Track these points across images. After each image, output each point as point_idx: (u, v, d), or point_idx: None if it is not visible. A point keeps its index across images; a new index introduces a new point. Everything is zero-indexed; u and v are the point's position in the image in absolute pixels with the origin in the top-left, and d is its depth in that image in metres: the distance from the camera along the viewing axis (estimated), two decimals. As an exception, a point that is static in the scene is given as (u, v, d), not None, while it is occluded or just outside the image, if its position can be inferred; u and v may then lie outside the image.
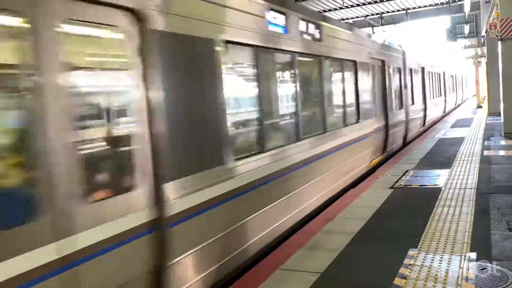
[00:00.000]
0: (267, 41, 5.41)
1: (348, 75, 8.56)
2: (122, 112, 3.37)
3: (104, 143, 3.24)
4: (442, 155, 10.75)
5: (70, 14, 2.88)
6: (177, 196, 3.64)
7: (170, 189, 3.56)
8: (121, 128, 3.36)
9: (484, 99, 28.26)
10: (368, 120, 9.47)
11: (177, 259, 3.61)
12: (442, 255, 4.46)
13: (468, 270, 4.06)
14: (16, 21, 2.56)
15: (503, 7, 12.95)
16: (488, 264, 4.11)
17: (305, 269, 4.40)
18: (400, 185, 7.89)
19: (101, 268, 2.93)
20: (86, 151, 2.99)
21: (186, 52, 3.94)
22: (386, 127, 11.00)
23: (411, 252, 4.59)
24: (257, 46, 5.17)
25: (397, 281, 3.94)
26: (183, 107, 3.87)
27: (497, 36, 13.48)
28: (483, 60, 28.24)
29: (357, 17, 25.48)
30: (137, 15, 3.36)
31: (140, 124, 3.39)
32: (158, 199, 3.46)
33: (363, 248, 4.87)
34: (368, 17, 25.50)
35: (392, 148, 11.77)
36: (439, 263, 4.27)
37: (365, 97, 9.41)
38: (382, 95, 10.90)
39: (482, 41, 24.98)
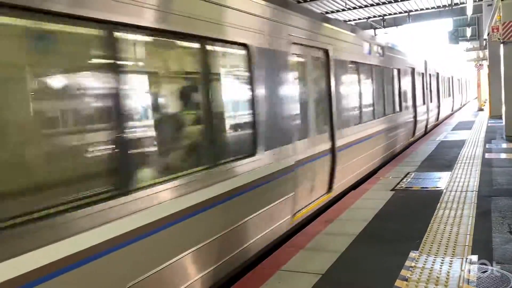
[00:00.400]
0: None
1: (400, 79, 12.20)
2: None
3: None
4: (444, 158, 10.74)
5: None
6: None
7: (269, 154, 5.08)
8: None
9: (485, 102, 28.26)
10: (410, 110, 13.49)
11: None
12: (444, 258, 4.46)
13: (469, 272, 4.06)
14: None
15: (505, 10, 12.94)
16: (490, 267, 4.11)
17: (306, 270, 4.40)
18: (401, 187, 7.89)
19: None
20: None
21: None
22: (415, 117, 14.42)
23: (412, 254, 4.58)
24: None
25: (398, 283, 3.94)
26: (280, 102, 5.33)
27: (499, 39, 13.48)
28: (485, 63, 28.23)
29: (359, 19, 25.52)
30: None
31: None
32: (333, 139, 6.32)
33: (364, 250, 4.87)
34: (370, 19, 25.54)
35: (419, 133, 15.38)
36: (440, 266, 4.27)
37: (405, 94, 12.82)
38: (412, 94, 14.04)
39: (484, 44, 24.99)
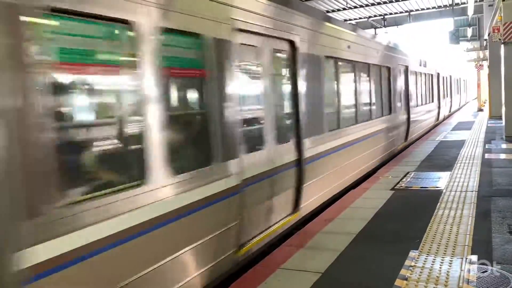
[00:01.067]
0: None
1: (390, 78, 11.48)
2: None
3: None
4: (443, 158, 10.74)
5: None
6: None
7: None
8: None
9: (485, 102, 28.26)
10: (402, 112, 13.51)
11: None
12: (443, 257, 4.46)
13: (469, 272, 4.06)
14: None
15: (506, 10, 12.94)
16: (489, 267, 4.11)
17: (306, 269, 4.39)
18: (401, 186, 7.89)
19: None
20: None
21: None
22: (408, 120, 13.56)
23: (412, 253, 4.58)
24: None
25: (398, 282, 3.94)
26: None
27: (500, 39, 13.48)
28: (485, 64, 28.24)
29: (360, 18, 25.50)
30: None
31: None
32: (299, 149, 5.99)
33: (364, 249, 4.87)
34: (371, 19, 25.52)
35: (415, 136, 15.24)
36: (440, 265, 4.26)
37: (396, 94, 12.03)
38: (405, 95, 13.58)
39: (485, 44, 24.98)
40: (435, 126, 19.37)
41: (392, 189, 7.72)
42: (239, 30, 4.68)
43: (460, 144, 13.01)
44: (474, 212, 5.98)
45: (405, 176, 8.78)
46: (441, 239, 5.01)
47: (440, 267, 4.22)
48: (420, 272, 4.14)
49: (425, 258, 4.46)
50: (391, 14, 25.06)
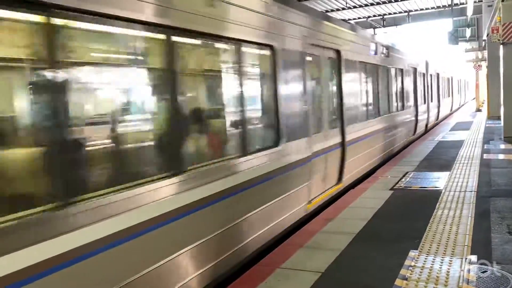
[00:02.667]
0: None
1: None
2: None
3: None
4: (442, 158, 10.76)
5: None
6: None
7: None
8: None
9: (483, 103, 28.31)
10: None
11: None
12: (443, 257, 4.46)
13: (469, 272, 4.06)
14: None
15: (505, 11, 12.96)
16: (489, 267, 4.11)
17: (306, 268, 4.39)
18: (400, 186, 7.90)
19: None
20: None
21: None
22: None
23: (411, 253, 4.59)
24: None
25: (398, 282, 3.94)
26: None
27: (499, 40, 13.49)
28: (484, 64, 28.28)
29: (359, 18, 25.51)
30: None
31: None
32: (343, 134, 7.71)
33: (363, 249, 4.87)
34: (370, 19, 25.54)
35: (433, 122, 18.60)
36: (440, 265, 4.27)
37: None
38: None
39: (483, 44, 25.01)
40: (434, 125, 19.97)
41: (391, 189, 7.73)
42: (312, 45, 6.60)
43: (458, 144, 13.03)
44: (473, 212, 5.99)
45: (404, 176, 8.79)
46: (440, 239, 5.01)
47: (440, 267, 4.22)
48: (420, 272, 4.14)
49: (425, 258, 4.47)
50: (390, 14, 25.10)
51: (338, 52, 7.63)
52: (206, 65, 4.77)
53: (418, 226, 5.50)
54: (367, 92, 9.51)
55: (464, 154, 11.17)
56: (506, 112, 13.40)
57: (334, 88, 7.69)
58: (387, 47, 11.21)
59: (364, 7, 22.93)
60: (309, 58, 6.42)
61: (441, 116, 22.05)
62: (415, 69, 14.66)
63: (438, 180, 8.23)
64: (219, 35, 4.39)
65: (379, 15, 25.18)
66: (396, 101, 12.08)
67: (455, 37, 23.11)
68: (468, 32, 26.20)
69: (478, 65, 31.45)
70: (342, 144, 7.63)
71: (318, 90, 7.01)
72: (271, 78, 5.44)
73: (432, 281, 3.94)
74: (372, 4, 22.56)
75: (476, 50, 31.85)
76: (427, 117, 17.58)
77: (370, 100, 9.85)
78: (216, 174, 4.21)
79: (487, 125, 18.45)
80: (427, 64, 17.18)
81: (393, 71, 11.72)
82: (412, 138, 14.53)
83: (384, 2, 22.44)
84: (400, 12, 24.92)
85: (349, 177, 8.00)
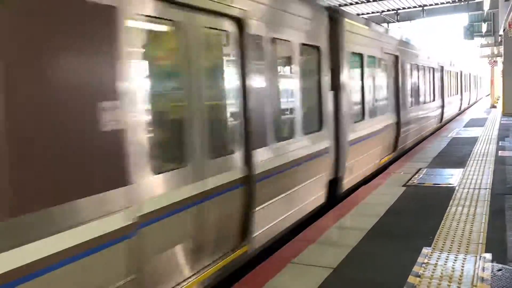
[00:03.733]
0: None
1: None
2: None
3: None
4: (456, 154, 10.64)
5: None
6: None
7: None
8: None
9: (498, 99, 27.89)
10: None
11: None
12: (457, 255, 4.42)
13: (483, 270, 4.02)
14: None
15: (523, 5, 12.72)
16: (504, 266, 4.06)
17: (318, 264, 4.38)
18: (413, 183, 7.83)
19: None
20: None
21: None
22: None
23: (425, 250, 4.55)
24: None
25: (411, 279, 3.91)
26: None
27: (516, 35, 13.25)
28: (499, 60, 27.83)
29: (373, 12, 25.26)
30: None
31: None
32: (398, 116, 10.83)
33: (376, 245, 4.84)
34: (384, 13, 25.27)
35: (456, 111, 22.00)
36: (454, 263, 4.23)
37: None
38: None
39: (499, 40, 24.60)
40: (458, 114, 23.31)
41: (404, 185, 7.66)
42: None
43: (472, 141, 12.87)
44: (487, 210, 5.91)
45: (417, 172, 8.72)
46: (454, 236, 4.96)
47: (454, 265, 4.18)
48: (433, 269, 4.10)
49: (438, 255, 4.42)
50: (404, 8, 24.81)
51: (396, 57, 10.63)
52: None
53: (431, 223, 5.45)
54: (411, 85, 12.26)
55: (478, 151, 11.03)
56: (522, 108, 13.19)
57: (392, 82, 10.43)
58: (426, 51, 14.39)
59: (378, 2, 22.70)
60: (383, 62, 9.64)
61: (462, 107, 25.50)
62: (442, 67, 17.52)
63: (451, 177, 8.14)
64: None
65: (393, 10, 24.90)
66: (429, 93, 14.96)
67: (471, 32, 22.80)
68: (484, 27, 25.79)
69: (494, 61, 30.97)
70: (398, 123, 10.59)
71: (389, 83, 10.10)
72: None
73: (446, 278, 3.90)
74: (386, -2, 22.34)
75: (492, 45, 31.34)
76: (457, 105, 22.34)
77: (413, 92, 12.52)
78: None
79: (502, 121, 18.18)
80: (450, 63, 20.42)
81: (429, 70, 14.82)
82: (446, 120, 18.93)
83: (398, -4, 22.21)
84: (414, 7, 24.61)
85: (400, 148, 10.87)
